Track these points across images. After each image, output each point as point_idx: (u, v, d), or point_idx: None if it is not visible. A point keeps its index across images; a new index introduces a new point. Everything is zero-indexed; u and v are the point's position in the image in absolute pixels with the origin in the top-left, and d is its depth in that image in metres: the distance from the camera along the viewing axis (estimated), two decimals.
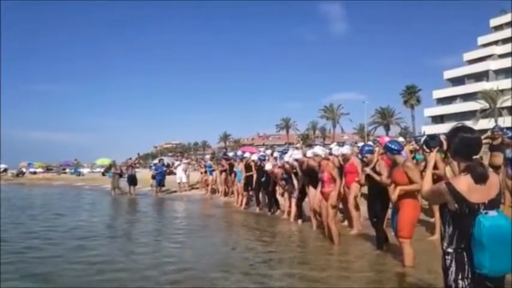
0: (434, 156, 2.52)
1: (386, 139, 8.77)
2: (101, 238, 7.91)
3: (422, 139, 6.28)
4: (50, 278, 5.00)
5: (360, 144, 10.99)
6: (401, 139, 11.20)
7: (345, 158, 7.69)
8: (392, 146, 5.10)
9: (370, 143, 9.16)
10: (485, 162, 7.55)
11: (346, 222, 8.00)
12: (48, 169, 50.20)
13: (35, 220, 10.55)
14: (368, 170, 5.68)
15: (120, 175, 18.55)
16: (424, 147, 2.59)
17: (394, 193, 4.87)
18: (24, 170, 44.35)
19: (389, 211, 5.77)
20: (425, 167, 2.57)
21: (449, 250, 2.22)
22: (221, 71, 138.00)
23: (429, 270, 4.55)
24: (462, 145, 2.25)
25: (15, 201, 15.99)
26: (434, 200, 2.64)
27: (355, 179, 7.10)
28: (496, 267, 2.05)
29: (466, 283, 2.15)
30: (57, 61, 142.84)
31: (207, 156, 18.67)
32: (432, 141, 2.50)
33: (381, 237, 5.80)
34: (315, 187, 7.62)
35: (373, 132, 63.11)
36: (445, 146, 2.38)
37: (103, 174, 33.55)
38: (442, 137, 2.40)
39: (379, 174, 5.53)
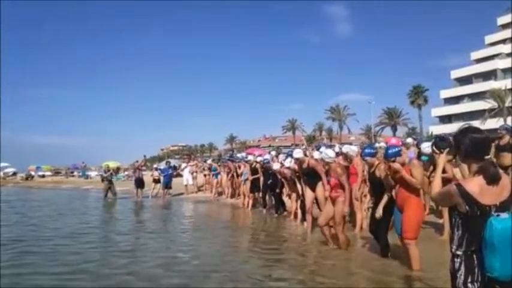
0: (444, 158, 2.45)
1: (394, 141, 8.66)
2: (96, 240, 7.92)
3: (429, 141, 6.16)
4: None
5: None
6: (409, 140, 11.04)
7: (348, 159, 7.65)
8: (392, 151, 4.93)
9: (376, 144, 9.04)
10: None
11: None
12: (56, 172, 50.53)
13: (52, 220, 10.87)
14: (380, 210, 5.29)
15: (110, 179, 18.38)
16: (434, 148, 2.50)
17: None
18: (33, 173, 44.78)
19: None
20: (433, 169, 2.51)
21: (459, 253, 2.17)
22: (227, 73, 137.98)
23: (437, 273, 4.47)
24: (473, 146, 2.19)
25: (31, 203, 16.83)
26: (444, 202, 2.59)
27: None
28: (507, 270, 2.01)
29: (476, 286, 2.11)
30: (67, 65, 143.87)
31: (209, 161, 18.77)
32: (442, 142, 2.43)
33: (384, 243, 5.55)
34: (313, 189, 7.57)
35: (380, 133, 62.67)
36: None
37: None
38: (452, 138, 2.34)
39: (379, 178, 5.37)
